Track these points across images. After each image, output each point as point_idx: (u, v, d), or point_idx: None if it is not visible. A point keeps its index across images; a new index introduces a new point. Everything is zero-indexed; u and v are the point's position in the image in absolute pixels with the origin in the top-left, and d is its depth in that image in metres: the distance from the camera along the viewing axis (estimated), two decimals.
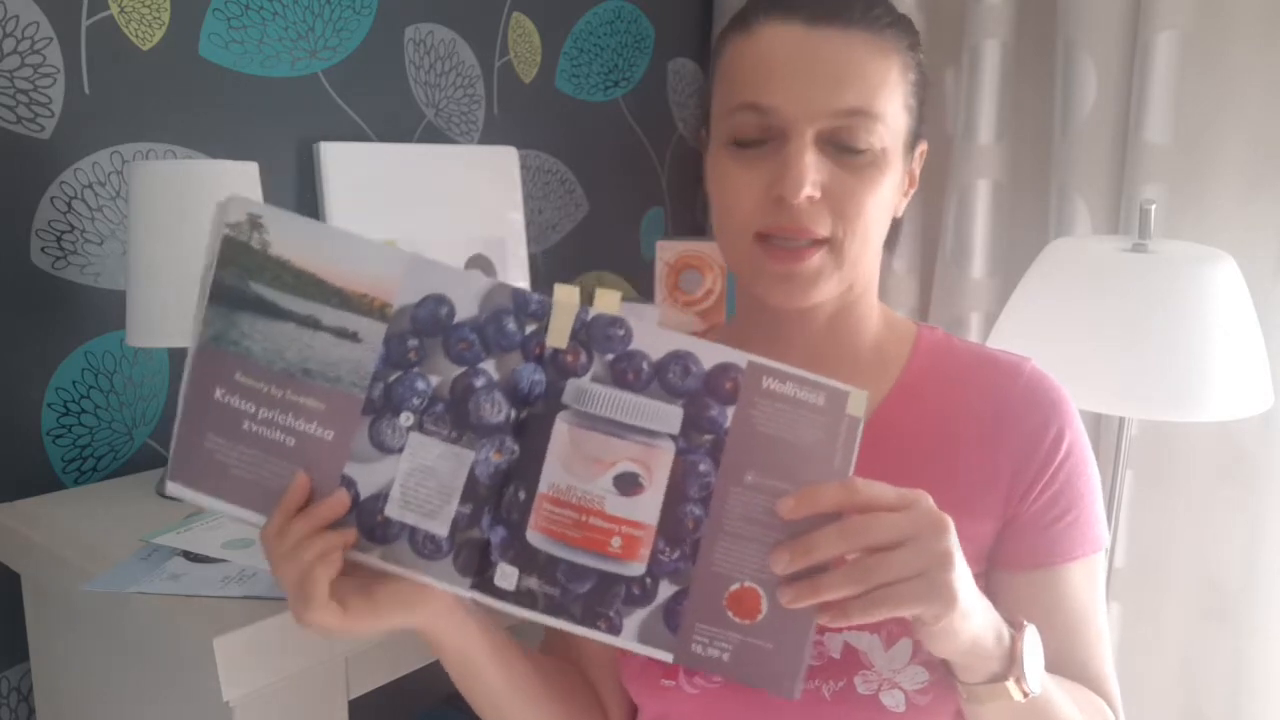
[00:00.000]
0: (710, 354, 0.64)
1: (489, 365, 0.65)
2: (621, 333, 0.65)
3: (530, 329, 0.65)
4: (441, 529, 0.65)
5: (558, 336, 0.65)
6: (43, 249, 1.12)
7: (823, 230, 0.72)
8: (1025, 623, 0.70)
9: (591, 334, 0.65)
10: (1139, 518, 1.52)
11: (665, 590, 0.63)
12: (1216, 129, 1.41)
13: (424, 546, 0.65)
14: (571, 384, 0.65)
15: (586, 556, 0.64)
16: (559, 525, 0.64)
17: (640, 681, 0.82)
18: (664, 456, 0.64)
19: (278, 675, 0.85)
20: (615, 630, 0.63)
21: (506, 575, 0.64)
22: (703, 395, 0.64)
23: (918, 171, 0.79)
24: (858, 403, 0.63)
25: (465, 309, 0.65)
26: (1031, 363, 0.81)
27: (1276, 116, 1.38)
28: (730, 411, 0.64)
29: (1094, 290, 1.23)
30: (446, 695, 1.37)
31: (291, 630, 0.85)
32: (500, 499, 0.65)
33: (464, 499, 0.65)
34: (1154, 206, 1.27)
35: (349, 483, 0.65)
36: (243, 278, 0.64)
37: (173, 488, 0.66)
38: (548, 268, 1.73)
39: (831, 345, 0.80)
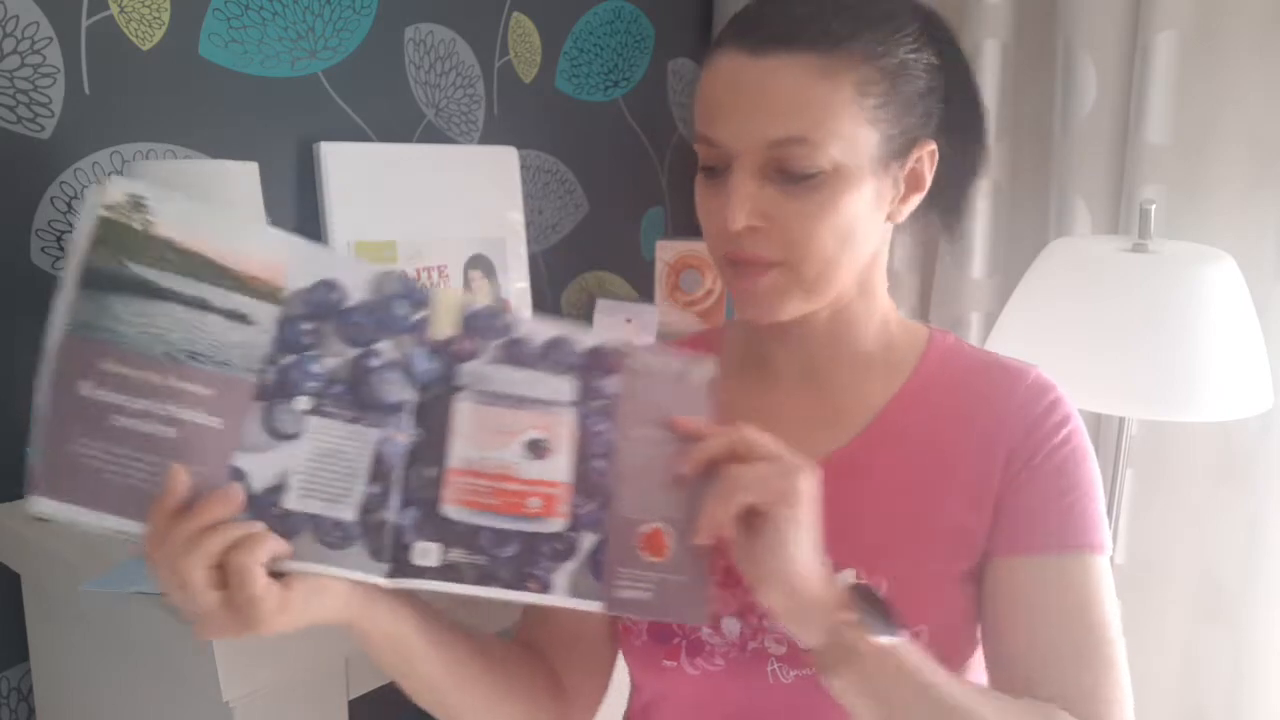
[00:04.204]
0: (584, 338, 0.71)
1: (384, 346, 0.66)
2: (506, 321, 0.70)
3: (419, 315, 0.67)
4: (349, 514, 0.62)
5: (441, 327, 0.68)
6: (43, 249, 1.12)
7: (770, 255, 0.73)
8: (859, 578, 0.70)
9: (479, 323, 0.69)
10: (1139, 518, 1.52)
11: (586, 541, 0.66)
12: (1216, 129, 1.41)
13: (331, 535, 0.62)
14: (466, 367, 0.68)
15: (507, 520, 0.65)
16: (475, 495, 0.65)
17: (642, 661, 0.82)
18: (565, 420, 0.69)
19: (278, 675, 0.85)
20: (545, 588, 0.65)
21: (426, 552, 0.64)
22: (588, 369, 0.70)
23: (926, 172, 0.77)
24: (705, 370, 0.72)
25: (356, 293, 0.65)
26: (1038, 369, 0.81)
27: (1276, 116, 1.38)
28: (613, 380, 0.71)
29: (1094, 290, 1.23)
30: None
31: (291, 630, 0.85)
32: (407, 480, 0.64)
33: (372, 479, 0.63)
34: (1154, 206, 1.27)
35: (239, 474, 0.60)
36: (119, 259, 0.60)
37: (38, 504, 0.58)
38: (548, 268, 1.73)
39: (831, 348, 0.81)
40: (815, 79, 0.70)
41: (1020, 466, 0.77)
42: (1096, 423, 1.53)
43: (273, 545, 0.59)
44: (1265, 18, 1.37)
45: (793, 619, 0.68)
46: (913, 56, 0.74)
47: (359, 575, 0.62)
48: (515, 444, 0.67)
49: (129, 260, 0.60)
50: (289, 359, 0.63)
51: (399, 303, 0.67)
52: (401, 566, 0.63)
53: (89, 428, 0.58)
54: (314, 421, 0.63)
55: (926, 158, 0.77)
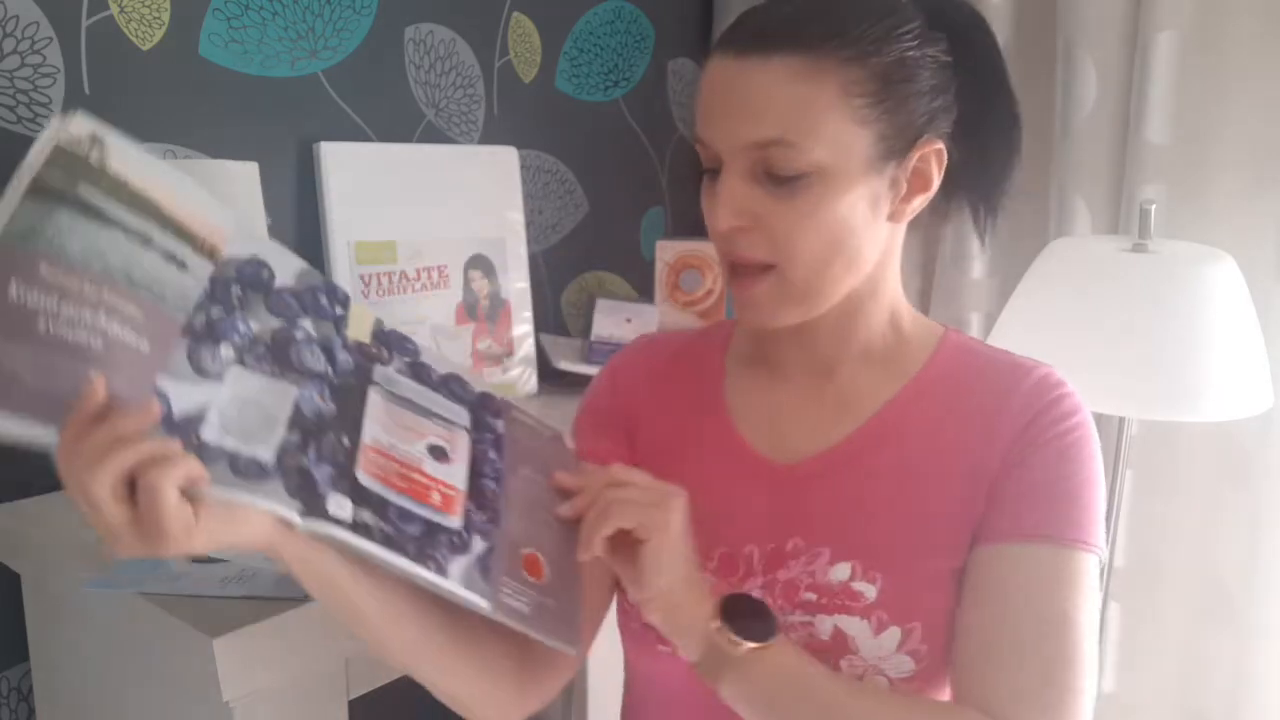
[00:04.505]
0: (475, 382, 0.78)
1: (307, 324, 0.69)
2: (412, 346, 0.76)
3: (339, 311, 0.71)
4: (266, 454, 0.61)
5: (357, 331, 0.72)
6: None
7: (758, 255, 0.73)
8: (729, 593, 0.73)
9: (390, 341, 0.75)
10: (1139, 517, 1.52)
11: (478, 545, 0.68)
12: (1216, 129, 1.41)
13: (247, 469, 0.60)
14: (379, 369, 0.72)
15: (413, 504, 0.67)
16: (386, 473, 0.67)
17: (637, 644, 0.83)
18: (463, 439, 0.74)
19: (278, 675, 0.85)
20: (443, 572, 0.65)
21: (341, 505, 0.63)
22: (479, 407, 0.77)
23: (933, 172, 0.75)
24: (571, 440, 0.83)
25: (284, 278, 0.69)
26: (1047, 366, 0.79)
27: (1276, 116, 1.38)
28: (501, 423, 0.77)
29: (1094, 290, 1.23)
30: None
31: (291, 630, 0.85)
32: (323, 441, 0.65)
33: (291, 427, 0.64)
34: (1154, 206, 1.27)
35: (161, 396, 0.59)
36: (71, 182, 0.60)
37: None
38: (548, 268, 1.73)
39: (839, 345, 0.81)
40: (796, 80, 0.70)
41: (1018, 453, 0.75)
42: (1096, 423, 1.53)
43: (189, 467, 0.57)
44: (1265, 18, 1.37)
45: (673, 634, 0.72)
46: (912, 54, 0.72)
47: (273, 506, 0.60)
48: (421, 444, 0.70)
49: (81, 185, 0.60)
50: (218, 311, 0.65)
51: (321, 294, 0.71)
52: (316, 511, 0.62)
53: (11, 331, 0.56)
54: (237, 370, 0.64)
55: (933, 157, 0.75)
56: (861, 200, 0.73)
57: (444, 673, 0.75)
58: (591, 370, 1.54)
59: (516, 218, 1.56)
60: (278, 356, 0.66)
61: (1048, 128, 1.59)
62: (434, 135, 1.52)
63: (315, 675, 0.89)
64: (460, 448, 0.73)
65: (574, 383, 1.52)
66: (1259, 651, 1.47)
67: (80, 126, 0.61)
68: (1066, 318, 1.25)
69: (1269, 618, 1.46)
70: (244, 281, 0.67)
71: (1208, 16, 1.40)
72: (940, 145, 0.75)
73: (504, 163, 1.56)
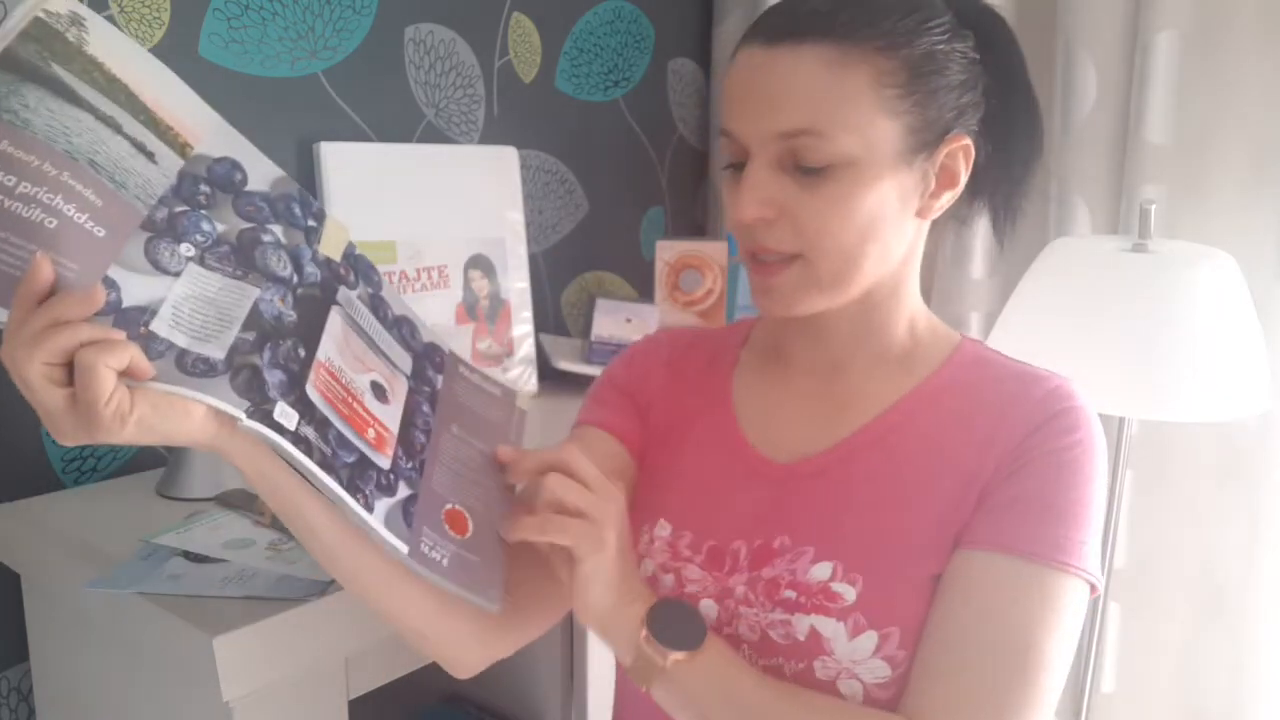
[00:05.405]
0: (425, 331, 0.78)
1: (276, 230, 0.68)
2: (378, 278, 0.76)
3: (312, 223, 0.71)
4: (217, 353, 0.60)
5: (329, 248, 0.71)
6: None
7: (784, 247, 0.73)
8: (658, 600, 0.73)
9: (358, 265, 0.74)
10: (1139, 518, 1.52)
11: (403, 490, 0.68)
12: (1216, 129, 1.42)
13: (194, 366, 0.59)
14: (343, 290, 0.72)
15: (351, 433, 0.66)
16: (334, 394, 0.66)
17: None
18: (402, 385, 0.73)
19: (278, 675, 0.85)
20: (369, 508, 0.64)
21: (287, 415, 0.62)
22: (423, 358, 0.76)
23: (960, 168, 0.75)
24: (523, 400, 0.83)
25: (257, 183, 0.68)
26: (1062, 378, 0.77)
27: (1276, 116, 1.39)
28: (440, 379, 0.77)
29: (1094, 290, 1.23)
30: (446, 695, 1.37)
31: (291, 630, 0.85)
32: (279, 346, 0.64)
33: (246, 327, 0.62)
34: (1154, 206, 1.27)
35: (112, 285, 0.58)
36: (44, 57, 0.58)
37: None
38: (548, 267, 1.73)
39: (852, 347, 0.80)
40: (826, 69, 0.69)
41: (1013, 462, 0.73)
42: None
43: (130, 353, 0.56)
44: (1265, 18, 1.37)
45: (606, 640, 0.73)
46: (942, 47, 0.72)
47: (217, 402, 0.59)
48: (365, 377, 0.70)
49: (54, 62, 0.59)
50: (182, 208, 0.63)
51: (294, 203, 0.70)
52: (261, 414, 0.60)
53: None
54: (195, 269, 0.62)
55: (960, 153, 0.75)
56: (890, 193, 0.72)
57: (400, 602, 0.73)
58: (593, 370, 1.54)
59: (516, 218, 1.56)
60: (241, 257, 0.65)
61: (1048, 128, 1.59)
62: (434, 135, 1.52)
63: (315, 675, 0.89)
64: (399, 392, 0.72)
65: (574, 383, 1.52)
66: (1258, 651, 1.47)
67: (61, 4, 0.60)
68: (1066, 317, 1.25)
69: (1268, 618, 1.46)
70: (213, 180, 0.66)
71: (1208, 16, 1.40)
72: (968, 141, 0.75)
73: (504, 163, 1.56)
